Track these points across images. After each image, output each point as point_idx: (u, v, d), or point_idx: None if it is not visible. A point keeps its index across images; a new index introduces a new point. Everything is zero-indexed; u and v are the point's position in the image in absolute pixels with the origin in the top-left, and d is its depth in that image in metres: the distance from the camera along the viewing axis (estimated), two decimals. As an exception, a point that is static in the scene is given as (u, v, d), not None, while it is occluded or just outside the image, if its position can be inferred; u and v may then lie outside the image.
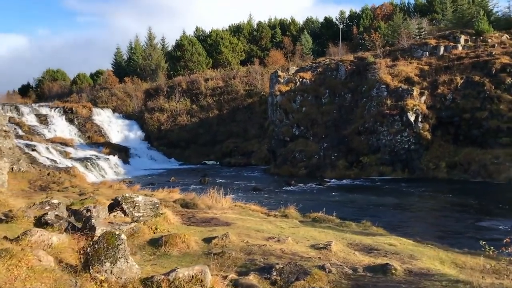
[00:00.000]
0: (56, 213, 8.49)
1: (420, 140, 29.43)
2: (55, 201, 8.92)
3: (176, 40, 71.48)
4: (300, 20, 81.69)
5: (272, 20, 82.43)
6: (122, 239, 5.36)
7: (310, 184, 26.53)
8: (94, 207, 8.89)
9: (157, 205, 10.00)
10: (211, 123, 52.20)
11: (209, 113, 53.40)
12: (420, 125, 29.74)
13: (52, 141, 41.25)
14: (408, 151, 29.51)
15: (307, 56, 60.26)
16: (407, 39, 38.69)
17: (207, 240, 8.25)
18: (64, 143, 40.67)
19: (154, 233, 8.63)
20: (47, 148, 34.15)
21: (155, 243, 7.84)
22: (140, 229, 8.13)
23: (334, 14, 79.39)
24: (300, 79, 36.38)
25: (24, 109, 50.53)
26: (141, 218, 9.32)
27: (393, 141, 29.84)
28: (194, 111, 54.40)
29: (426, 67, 33.01)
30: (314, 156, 31.87)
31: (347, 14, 75.97)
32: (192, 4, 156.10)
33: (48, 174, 27.04)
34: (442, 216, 17.62)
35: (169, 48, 76.67)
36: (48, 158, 31.86)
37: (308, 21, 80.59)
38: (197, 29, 79.26)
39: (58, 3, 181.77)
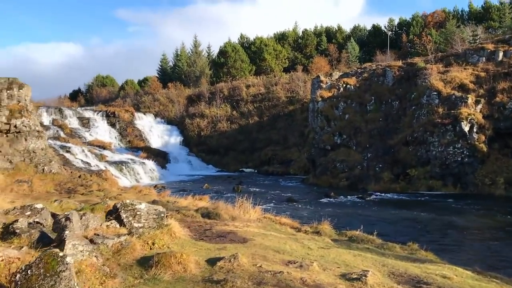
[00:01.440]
0: (37, 220, 7.22)
1: (474, 152, 26.73)
2: (38, 205, 7.63)
3: (220, 47, 71.10)
4: (347, 28, 79.50)
5: (318, 28, 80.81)
6: (66, 264, 3.87)
7: (351, 196, 24.48)
8: (84, 214, 7.53)
9: (162, 215, 8.51)
10: (250, 130, 50.91)
11: (249, 120, 52.16)
12: (475, 136, 27.03)
13: (90, 143, 41.20)
14: (461, 164, 26.85)
15: (353, 64, 58.06)
16: (461, 44, 35.92)
17: (212, 262, 6.70)
18: (102, 146, 40.45)
19: (150, 249, 7.17)
20: (83, 151, 33.83)
21: (145, 262, 6.36)
22: (131, 244, 6.68)
23: (382, 23, 76.21)
24: (344, 85, 34.37)
25: (68, 112, 51.12)
26: (140, 229, 7.87)
27: (444, 153, 27.27)
28: (234, 117, 53.33)
29: (482, 74, 30.20)
30: (356, 166, 29.74)
31: (396, 22, 73.22)
32: (238, 13, 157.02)
33: (79, 176, 26.42)
34: (502, 239, 15.22)
35: (214, 56, 76.49)
36: (82, 160, 31.43)
37: (355, 29, 78.43)
38: (242, 36, 78.71)
39: (110, 14, 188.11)
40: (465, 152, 26.82)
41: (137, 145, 48.74)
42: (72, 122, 49.86)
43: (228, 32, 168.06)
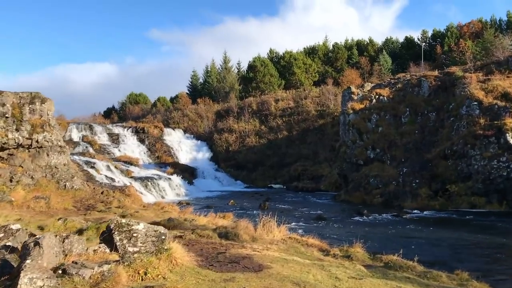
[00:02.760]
0: (9, 243, 6.14)
1: (522, 166, 24.53)
2: (14, 226, 6.54)
3: (249, 62, 70.50)
4: (379, 41, 77.70)
5: (349, 41, 79.30)
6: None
7: (386, 214, 22.69)
8: (67, 237, 6.38)
9: (163, 237, 7.29)
10: (279, 144, 49.60)
11: (278, 135, 50.89)
12: (521, 148, 24.85)
13: (117, 159, 40.78)
14: (507, 180, 24.63)
15: (385, 76, 56.19)
16: (502, 52, 33.77)
17: (212, 299, 5.44)
18: (129, 161, 39.97)
19: (141, 279, 5.94)
20: (108, 166, 33.26)
21: (130, 300, 5.16)
22: (114, 274, 5.48)
23: (415, 36, 74.04)
24: (377, 96, 32.68)
25: (97, 128, 51.27)
26: (135, 254, 6.67)
27: (487, 167, 25.14)
28: (263, 132, 52.18)
29: (528, 82, 28.04)
30: (391, 182, 27.88)
31: (430, 33, 70.98)
32: (268, 30, 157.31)
33: (102, 192, 25.68)
34: None
35: (244, 71, 76.11)
36: (106, 176, 30.81)
37: (387, 41, 76.58)
38: (271, 51, 78.10)
39: (143, 34, 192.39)
40: (511, 166, 24.63)
41: (165, 161, 48.21)
42: (102, 138, 49.92)
43: (258, 48, 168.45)
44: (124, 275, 5.57)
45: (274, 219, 14.79)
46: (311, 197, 32.84)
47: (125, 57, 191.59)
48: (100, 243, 6.83)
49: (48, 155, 25.24)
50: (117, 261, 6.12)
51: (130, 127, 54.70)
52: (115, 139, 50.93)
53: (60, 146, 25.97)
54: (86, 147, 45.39)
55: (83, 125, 51.44)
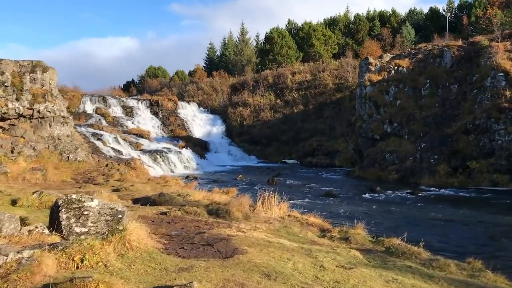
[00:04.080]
0: None
1: (550, 142, 22.79)
2: None
3: (266, 33, 68.49)
4: (403, 12, 74.47)
5: (371, 12, 76.30)
6: None
7: (400, 192, 21.39)
8: (-3, 215, 5.40)
9: (120, 216, 6.29)
10: (295, 119, 48.19)
11: (293, 109, 49.42)
12: (551, 123, 23.05)
13: (129, 132, 40.17)
14: (533, 157, 22.98)
15: (406, 48, 53.78)
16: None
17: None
18: (140, 134, 39.27)
19: (76, 267, 4.95)
20: (116, 138, 32.58)
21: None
22: (34, 262, 4.50)
23: (441, 6, 70.75)
24: (395, 67, 30.87)
25: (111, 101, 50.66)
26: (82, 236, 5.68)
27: (512, 143, 23.47)
28: (278, 106, 50.76)
29: (560, 52, 25.93)
30: (408, 158, 26.44)
31: (456, 3, 67.60)
32: (289, 4, 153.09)
33: (106, 165, 24.99)
34: None
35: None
36: (113, 148, 30.12)
37: (411, 12, 73.37)
38: (289, 22, 75.74)
39: (164, 9, 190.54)
40: (538, 142, 22.92)
41: (179, 134, 47.49)
42: (116, 110, 49.35)
43: (278, 22, 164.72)
44: (50, 263, 4.58)
45: (275, 195, 13.79)
46: (324, 173, 31.64)
47: (146, 31, 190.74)
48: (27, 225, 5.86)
49: (50, 125, 24.58)
50: (52, 244, 5.14)
51: (144, 100, 53.98)
52: (129, 112, 50.34)
53: (63, 117, 25.27)
54: (99, 119, 44.88)
55: (96, 97, 50.85)
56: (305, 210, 16.26)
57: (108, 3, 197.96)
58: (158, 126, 50.05)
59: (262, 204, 13.69)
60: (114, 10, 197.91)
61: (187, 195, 13.80)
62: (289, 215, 13.19)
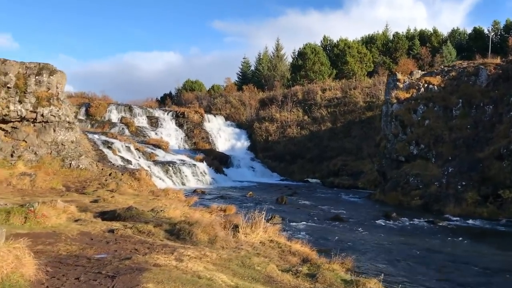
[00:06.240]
0: None
1: None
2: None
3: (299, 49, 67.10)
4: (445, 31, 71.42)
5: (411, 31, 73.67)
6: None
7: (418, 220, 19.14)
8: None
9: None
10: (322, 137, 46.25)
11: (321, 126, 47.51)
12: None
13: (147, 142, 39.40)
14: None
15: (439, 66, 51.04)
16: None
17: None
18: (158, 145, 38.38)
19: None
20: (128, 147, 31.71)
21: None
22: None
23: (485, 27, 67.21)
24: (425, 85, 28.59)
25: (137, 111, 50.39)
26: None
27: (552, 173, 20.77)
28: (306, 122, 48.96)
29: None
30: (433, 183, 24.06)
31: (502, 24, 64.23)
32: (329, 23, 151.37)
33: (110, 174, 23.98)
34: None
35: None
36: (122, 157, 29.20)
37: (454, 32, 70.30)
38: (324, 38, 74.09)
39: (207, 25, 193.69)
40: None
41: (202, 147, 46.46)
42: (141, 120, 49.02)
43: (317, 40, 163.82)
44: None
45: (262, 217, 12.22)
46: (343, 194, 29.54)
47: (190, 47, 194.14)
48: None
49: (54, 130, 23.85)
50: None
51: (170, 111, 53.50)
52: (154, 122, 49.90)
53: (69, 122, 24.52)
54: (123, 128, 44.58)
55: (122, 106, 50.71)
56: (302, 234, 14.51)
57: (155, 19, 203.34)
58: (181, 138, 49.28)
59: (250, 226, 12.15)
60: (160, 26, 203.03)
61: (161, 211, 12.33)
62: (271, 241, 11.48)
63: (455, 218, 20.12)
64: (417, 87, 28.79)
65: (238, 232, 11.48)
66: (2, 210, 8.77)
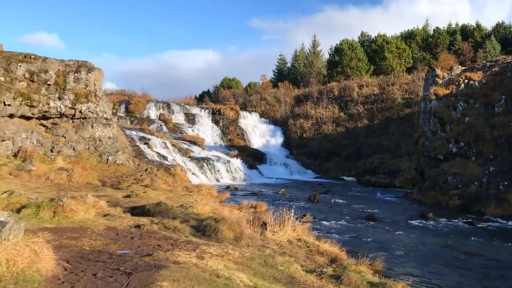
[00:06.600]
0: None
1: None
2: None
3: (336, 45, 66.18)
4: (489, 26, 68.71)
5: (452, 26, 71.27)
6: None
7: (456, 220, 18.44)
8: None
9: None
10: (358, 134, 45.44)
11: (357, 123, 46.67)
12: None
13: (183, 138, 39.87)
14: None
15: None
16: None
17: None
18: (194, 141, 38.75)
19: None
20: (164, 144, 32.13)
21: None
22: None
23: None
24: (466, 81, 27.51)
25: (175, 108, 51.15)
26: None
27: None
28: (342, 119, 48.24)
29: None
30: (473, 182, 23.13)
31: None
32: (368, 19, 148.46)
33: (146, 170, 24.38)
34: None
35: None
36: (159, 153, 29.61)
37: (498, 26, 67.49)
38: (362, 34, 72.73)
39: (245, 24, 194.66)
40: None
41: (237, 144, 46.66)
42: (178, 117, 49.75)
43: (355, 37, 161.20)
44: None
45: (291, 214, 12.12)
46: (379, 193, 28.89)
47: (228, 45, 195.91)
48: None
49: (92, 126, 24.44)
50: None
51: (207, 108, 54.03)
52: (191, 119, 50.52)
53: (106, 119, 25.06)
54: (161, 125, 45.38)
55: (161, 103, 51.61)
56: (333, 233, 14.24)
57: (195, 18, 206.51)
58: (217, 135, 49.73)
59: (278, 224, 12.04)
60: (200, 25, 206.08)
61: (190, 206, 12.35)
62: (299, 239, 11.32)
63: (496, 220, 19.26)
64: (457, 83, 27.74)
65: (266, 230, 11.41)
66: (32, 204, 8.99)
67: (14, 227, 4.99)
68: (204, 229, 9.63)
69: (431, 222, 17.96)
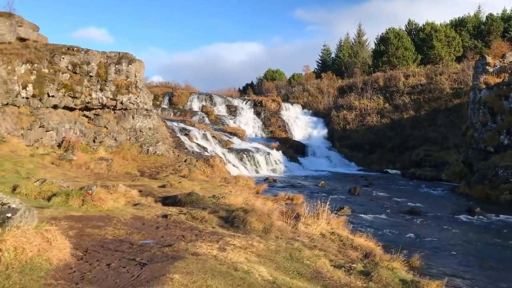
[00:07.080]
0: None
1: None
2: None
3: (382, 34, 64.20)
4: (548, 9, 64.55)
5: (507, 12, 67.46)
6: None
7: (507, 217, 17.34)
8: None
9: (8, 215, 4.84)
10: (404, 125, 43.97)
11: (403, 114, 45.16)
12: None
13: (224, 130, 39.98)
14: None
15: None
16: None
17: None
18: (234, 133, 38.76)
19: None
20: (204, 135, 32.26)
21: None
22: None
23: None
24: (520, 68, 25.87)
25: (217, 100, 51.49)
26: None
27: None
28: (386, 110, 46.81)
29: None
30: (527, 176, 21.76)
31: None
32: (417, 8, 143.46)
33: (185, 160, 24.53)
34: None
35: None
36: (199, 145, 29.76)
37: (561, 10, 63.20)
38: (409, 22, 70.16)
39: (289, 15, 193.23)
40: None
41: (279, 136, 46.40)
42: (220, 109, 50.04)
43: (402, 26, 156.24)
44: None
45: (325, 207, 11.78)
46: (424, 186, 27.76)
47: (272, 37, 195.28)
48: None
49: (133, 117, 24.81)
50: None
51: (249, 100, 53.97)
52: (232, 111, 50.68)
53: (147, 110, 25.38)
54: (203, 117, 45.77)
55: (203, 95, 52.03)
56: (371, 227, 13.69)
57: (239, 10, 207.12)
58: (258, 127, 49.59)
59: (312, 216, 11.72)
60: (244, 17, 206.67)
61: (222, 197, 12.18)
62: (332, 233, 10.91)
63: (551, 217, 17.95)
64: (509, 71, 26.12)
65: (299, 222, 11.09)
66: (62, 193, 9.06)
67: (26, 214, 4.91)
68: (232, 220, 9.41)
69: (479, 217, 16.96)
